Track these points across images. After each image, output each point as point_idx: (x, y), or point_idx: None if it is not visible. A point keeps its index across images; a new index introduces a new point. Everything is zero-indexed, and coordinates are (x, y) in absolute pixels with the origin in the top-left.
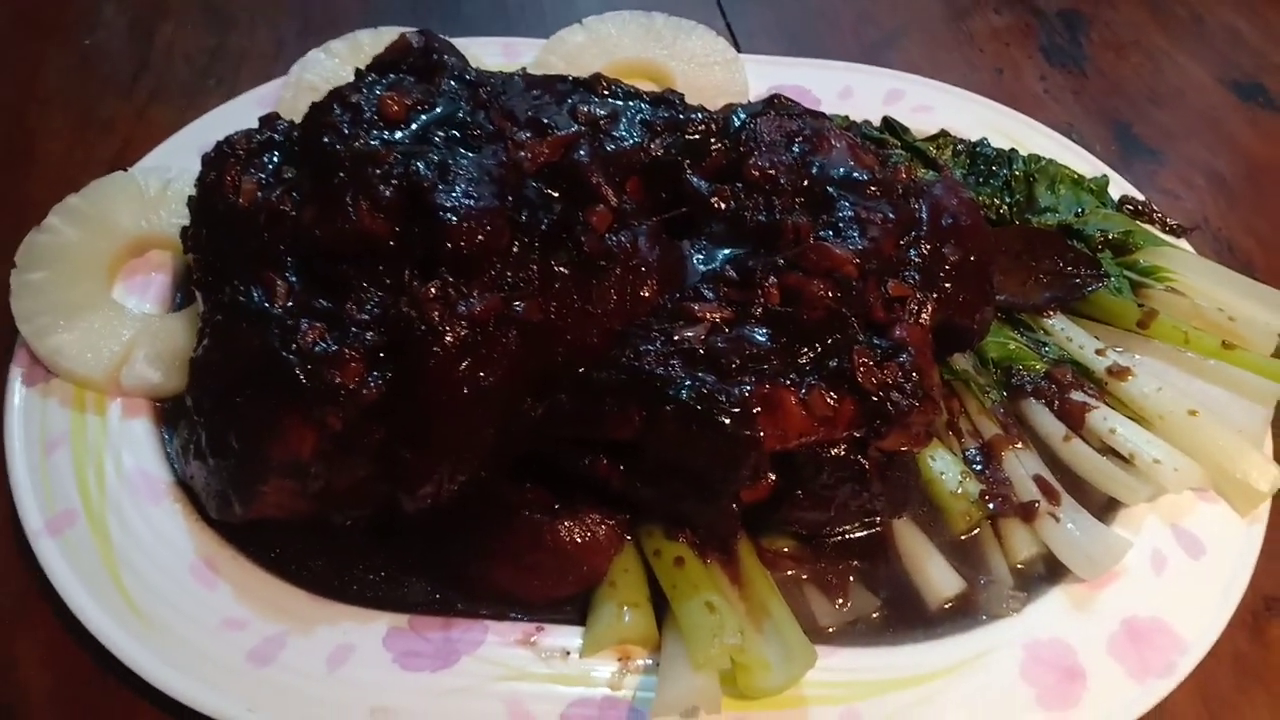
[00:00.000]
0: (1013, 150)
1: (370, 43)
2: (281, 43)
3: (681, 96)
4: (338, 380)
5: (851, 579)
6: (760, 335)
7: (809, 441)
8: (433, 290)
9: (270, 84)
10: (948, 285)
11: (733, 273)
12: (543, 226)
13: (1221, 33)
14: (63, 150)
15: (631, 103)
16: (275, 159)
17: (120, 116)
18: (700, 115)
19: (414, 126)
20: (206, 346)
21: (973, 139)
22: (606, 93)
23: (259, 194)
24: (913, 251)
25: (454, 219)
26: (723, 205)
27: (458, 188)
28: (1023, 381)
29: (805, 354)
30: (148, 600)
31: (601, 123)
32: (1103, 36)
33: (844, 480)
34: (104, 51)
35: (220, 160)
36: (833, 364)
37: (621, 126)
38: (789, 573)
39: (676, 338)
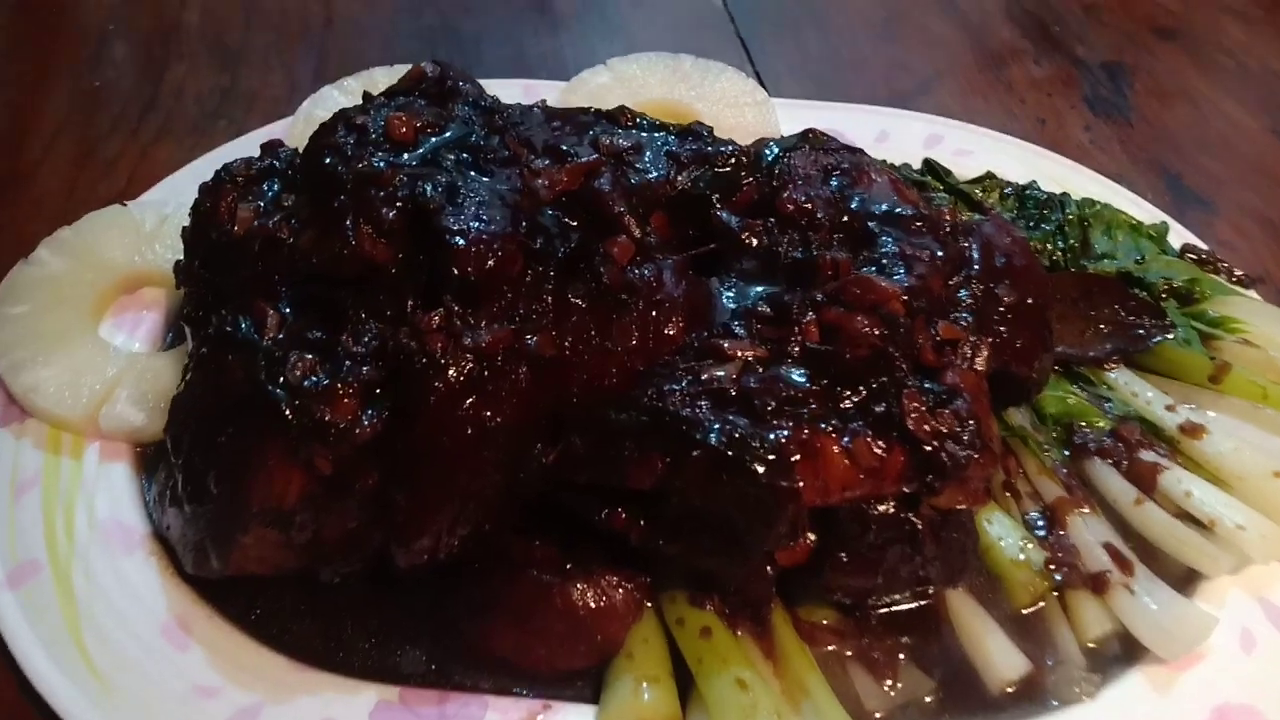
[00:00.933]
0: (1064, 194)
1: (385, 80)
2: (295, 85)
3: (710, 129)
4: (328, 417)
5: (901, 657)
6: (798, 376)
7: (854, 496)
8: (436, 320)
9: (280, 122)
10: (1003, 329)
11: (767, 308)
12: (559, 255)
13: (1266, 78)
14: (62, 187)
15: (657, 134)
16: (275, 187)
17: (124, 154)
18: (730, 148)
19: (423, 150)
20: (189, 381)
21: (1020, 183)
22: (630, 125)
23: (255, 221)
24: (963, 292)
25: (462, 242)
26: (754, 241)
27: (467, 210)
28: (1086, 440)
29: (848, 398)
30: (110, 662)
31: (625, 154)
32: (1146, 86)
33: (893, 541)
34: (113, 90)
35: (217, 188)
36: (879, 409)
37: (646, 158)
38: (830, 648)
39: (705, 377)
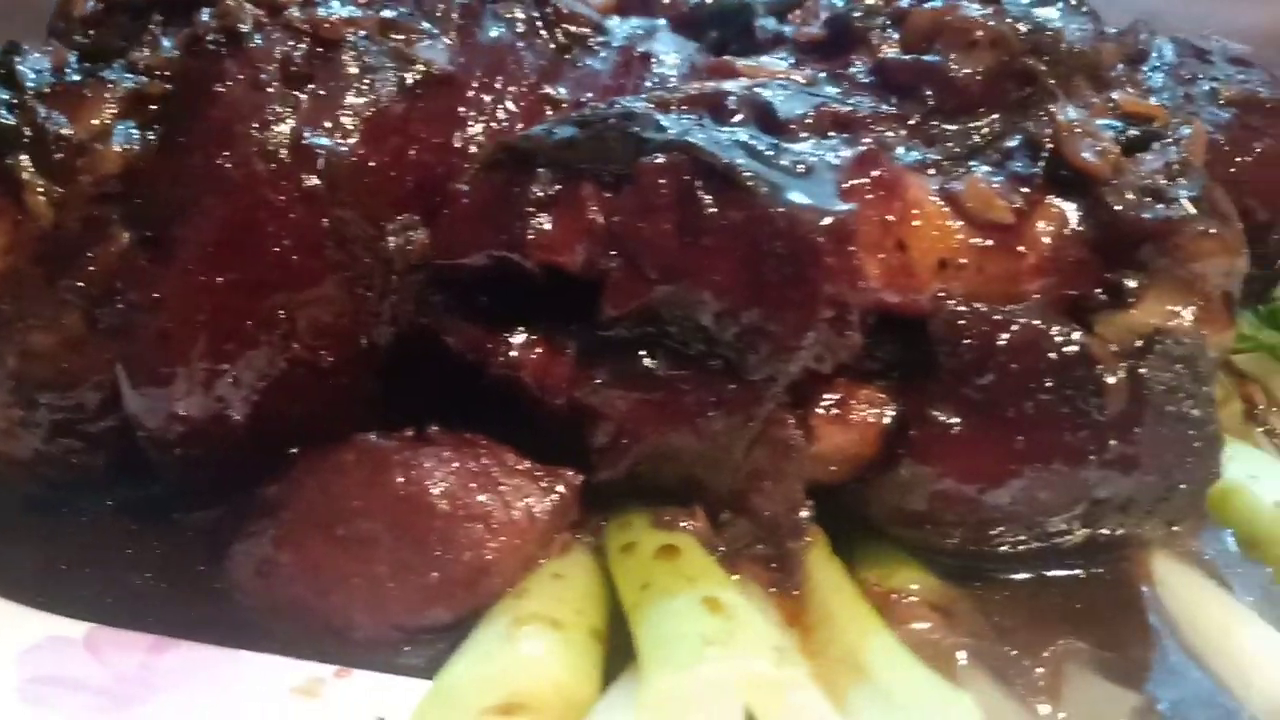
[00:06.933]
0: None
1: None
2: None
3: None
4: (64, 129)
5: (1067, 661)
6: (861, 99)
7: (963, 286)
8: None
9: None
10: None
11: (820, 30)
12: None
13: None
14: None
15: None
16: None
17: None
18: None
19: None
20: None
21: None
22: None
23: None
24: (1161, 86)
25: None
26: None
27: None
28: None
29: (955, 132)
30: None
31: None
32: None
33: (1043, 395)
34: None
35: None
36: (1011, 143)
37: None
38: (919, 634)
39: (695, 89)
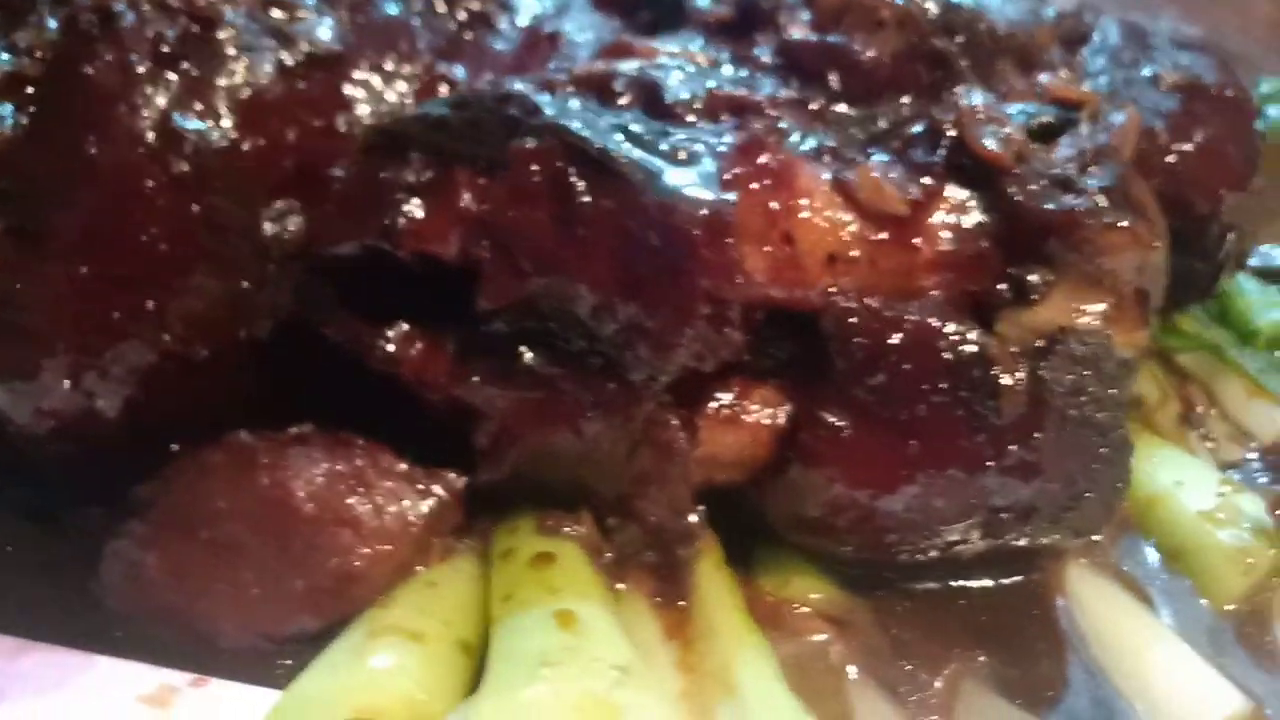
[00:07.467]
0: None
1: None
2: None
3: None
4: None
5: (965, 678)
6: (764, 82)
7: (855, 281)
8: None
9: None
10: (1172, 139)
11: (726, 10)
12: None
13: None
14: None
15: None
16: None
17: None
18: None
19: None
20: None
21: None
22: None
23: None
24: (1099, 72)
25: None
26: None
27: None
28: None
29: (857, 118)
30: None
31: None
32: None
33: (937, 395)
34: None
35: None
36: (914, 130)
37: None
38: (817, 645)
39: (583, 70)
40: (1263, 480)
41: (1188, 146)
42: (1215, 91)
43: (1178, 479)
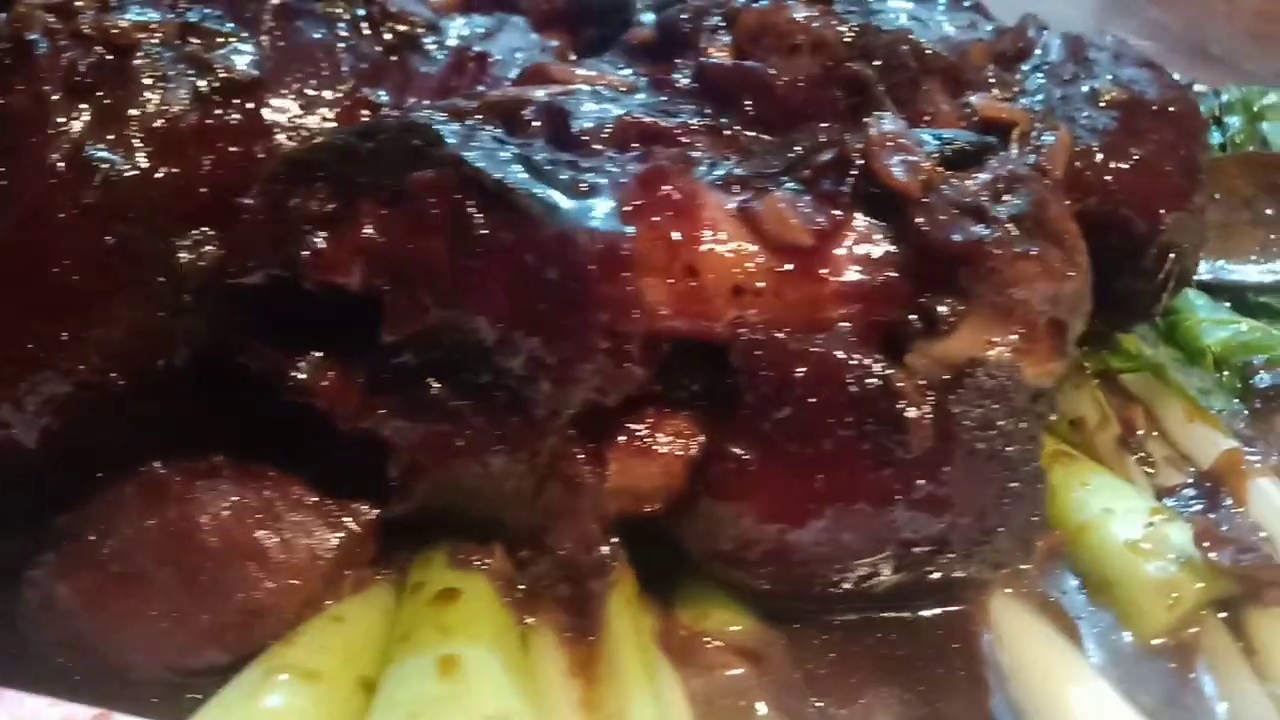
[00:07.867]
0: None
1: None
2: None
3: None
4: None
5: (877, 714)
6: (680, 107)
7: (762, 315)
8: None
9: None
10: (1111, 159)
11: (651, 33)
12: None
13: None
14: None
15: None
16: None
17: None
18: None
19: None
20: None
21: None
22: None
23: None
24: (1038, 89)
25: None
26: None
27: None
28: (1271, 383)
29: (773, 148)
30: None
31: None
32: None
33: (844, 426)
34: None
35: None
36: (825, 157)
37: None
38: (732, 676)
39: (496, 97)
40: (1197, 508)
41: (1124, 165)
42: (1157, 108)
43: (1108, 506)
